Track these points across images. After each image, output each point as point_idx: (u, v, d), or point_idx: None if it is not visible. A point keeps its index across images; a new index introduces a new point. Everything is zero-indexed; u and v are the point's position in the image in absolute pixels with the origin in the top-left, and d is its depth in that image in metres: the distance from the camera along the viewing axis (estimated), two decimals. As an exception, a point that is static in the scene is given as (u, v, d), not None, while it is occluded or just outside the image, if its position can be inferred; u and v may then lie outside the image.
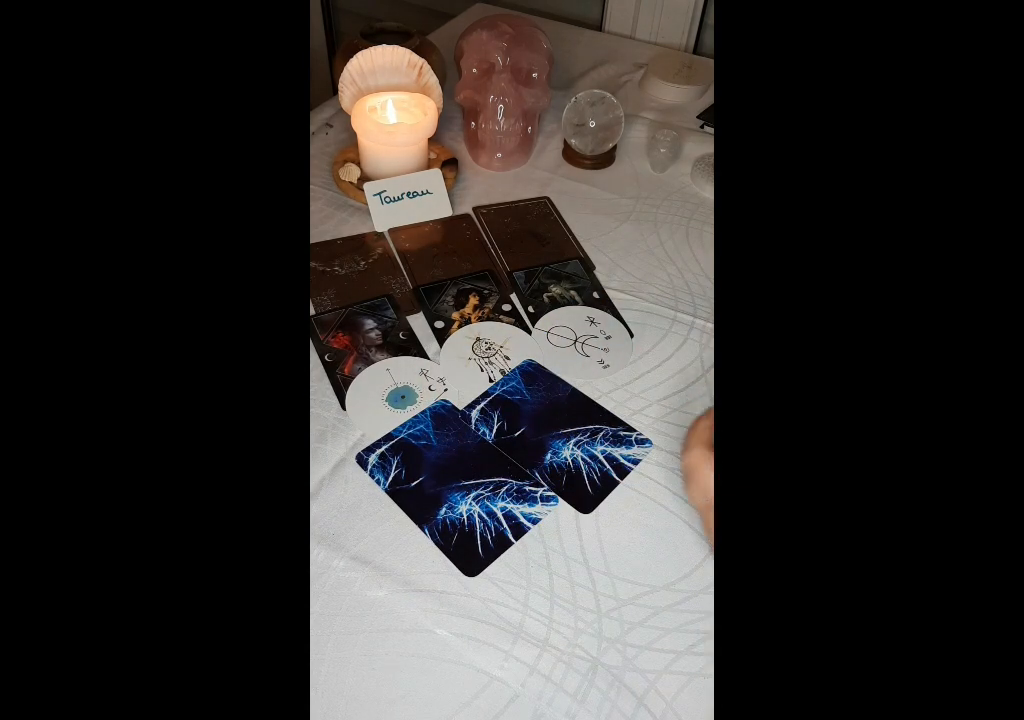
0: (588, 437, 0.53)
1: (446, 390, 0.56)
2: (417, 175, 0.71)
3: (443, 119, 0.81)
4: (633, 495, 0.50)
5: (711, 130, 0.86)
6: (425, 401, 0.55)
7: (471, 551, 0.47)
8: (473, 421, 0.54)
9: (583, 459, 0.52)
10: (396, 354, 0.59)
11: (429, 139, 0.74)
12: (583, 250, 0.70)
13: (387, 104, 0.73)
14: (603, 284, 0.67)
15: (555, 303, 0.64)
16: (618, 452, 0.53)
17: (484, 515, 0.48)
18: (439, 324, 0.62)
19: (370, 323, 0.61)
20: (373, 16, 1.26)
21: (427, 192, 0.72)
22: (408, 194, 0.71)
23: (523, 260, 0.69)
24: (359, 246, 0.69)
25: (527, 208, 0.75)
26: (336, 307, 0.62)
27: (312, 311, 0.62)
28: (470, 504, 0.49)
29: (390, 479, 0.50)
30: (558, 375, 0.58)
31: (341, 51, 0.83)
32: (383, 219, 0.71)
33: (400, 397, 0.56)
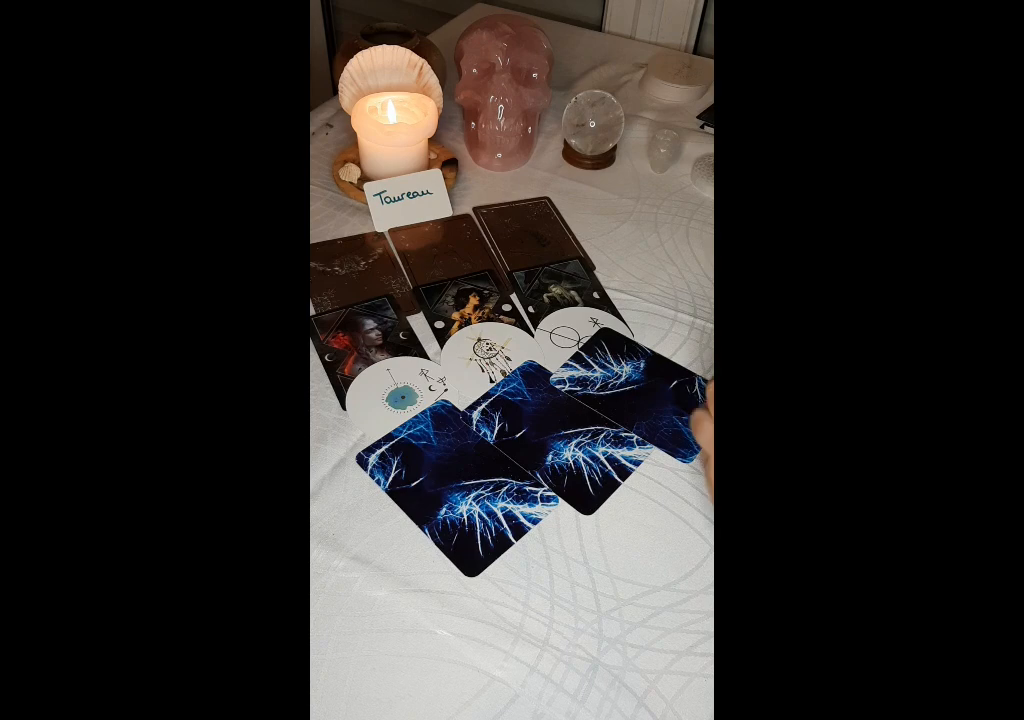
0: (589, 438, 0.53)
1: (446, 390, 0.56)
2: (417, 175, 0.71)
3: (443, 119, 0.81)
4: (633, 495, 0.50)
5: (711, 130, 0.86)
6: (425, 401, 0.55)
7: (471, 551, 0.47)
8: (474, 422, 0.54)
9: (584, 460, 0.52)
10: (396, 354, 0.59)
11: (429, 139, 0.74)
12: (583, 250, 0.70)
13: (387, 104, 0.73)
14: (603, 284, 0.67)
15: (555, 303, 0.64)
16: (619, 453, 0.53)
17: (484, 515, 0.48)
18: (439, 324, 0.62)
19: (370, 323, 0.61)
20: (373, 16, 1.26)
21: (427, 192, 0.72)
22: (408, 194, 0.71)
23: (523, 260, 0.69)
24: (359, 246, 0.69)
25: (527, 208, 0.75)
26: (336, 307, 0.62)
27: (312, 311, 0.62)
28: (470, 504, 0.49)
29: (390, 479, 0.50)
30: (558, 375, 0.58)
31: (341, 51, 0.82)
32: (383, 219, 0.71)
33: (400, 397, 0.56)
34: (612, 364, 0.59)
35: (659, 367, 0.59)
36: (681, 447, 0.53)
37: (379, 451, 0.52)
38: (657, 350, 0.60)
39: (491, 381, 0.57)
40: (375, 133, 0.70)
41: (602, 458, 0.52)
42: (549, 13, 1.12)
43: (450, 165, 0.77)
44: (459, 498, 0.49)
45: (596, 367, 0.58)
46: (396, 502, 0.49)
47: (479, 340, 0.61)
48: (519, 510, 0.49)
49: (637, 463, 0.52)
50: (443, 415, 0.54)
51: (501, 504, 0.49)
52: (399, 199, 0.71)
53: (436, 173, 0.72)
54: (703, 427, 0.45)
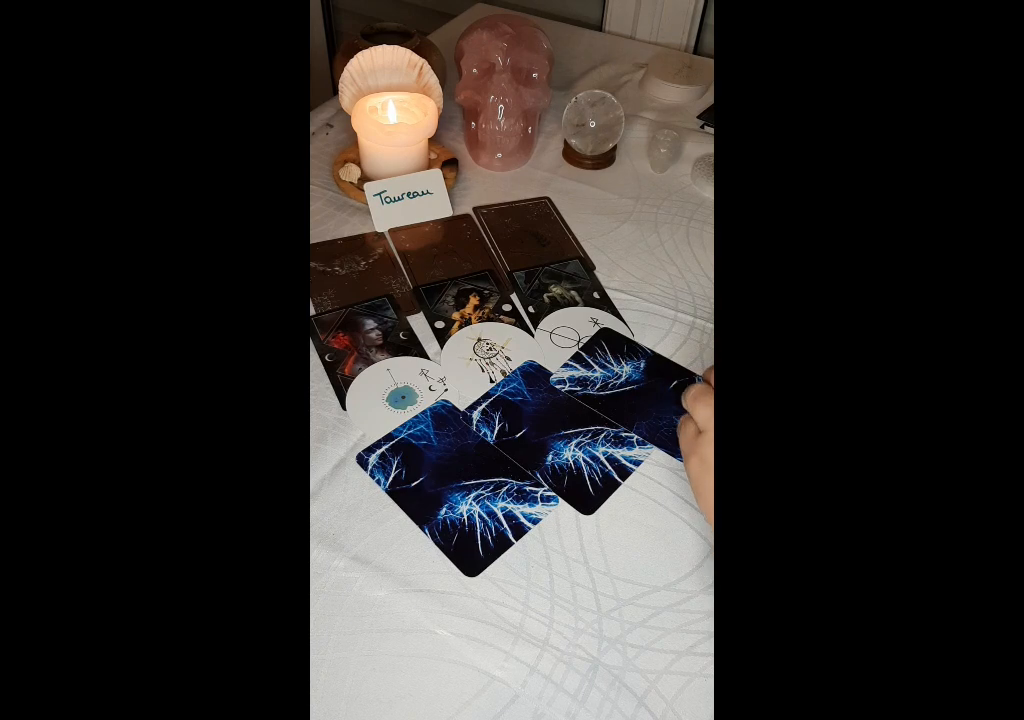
0: (589, 438, 0.53)
1: (446, 390, 0.56)
2: (417, 175, 0.71)
3: (443, 119, 0.81)
4: (634, 495, 0.50)
5: (711, 130, 0.86)
6: (425, 401, 0.55)
7: (471, 551, 0.47)
8: (474, 422, 0.54)
9: (584, 460, 0.52)
10: (396, 354, 0.59)
11: (429, 139, 0.74)
12: (583, 250, 0.70)
13: (387, 104, 0.73)
14: (603, 284, 0.67)
15: (555, 303, 0.64)
16: (619, 453, 0.53)
17: (484, 515, 0.48)
18: (439, 324, 0.62)
19: (370, 323, 0.61)
20: (373, 16, 1.26)
21: (427, 192, 0.72)
22: (408, 194, 0.71)
23: (523, 260, 0.69)
24: (359, 246, 0.69)
25: (527, 208, 0.75)
26: (336, 307, 0.62)
27: (312, 311, 0.62)
28: (470, 504, 0.49)
29: (390, 479, 0.50)
30: (558, 375, 0.58)
31: (341, 51, 0.83)
32: (383, 219, 0.71)
33: (400, 397, 0.56)
34: (612, 364, 0.59)
35: (659, 367, 0.59)
36: (681, 447, 0.53)
37: (379, 451, 0.52)
38: (657, 350, 0.60)
39: (491, 381, 0.57)
40: (375, 133, 0.70)
41: (602, 458, 0.52)
42: (549, 13, 1.12)
43: (450, 165, 0.77)
44: (459, 498, 0.49)
45: (596, 367, 0.58)
46: (396, 502, 0.49)
47: (479, 340, 0.61)
48: (519, 510, 0.49)
49: (637, 463, 0.52)
50: (443, 415, 0.54)
51: (501, 504, 0.49)
52: (399, 199, 0.71)
53: (436, 173, 0.72)
54: (706, 400, 0.45)
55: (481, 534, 0.48)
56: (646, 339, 0.61)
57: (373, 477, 0.50)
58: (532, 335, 0.62)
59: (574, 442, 0.53)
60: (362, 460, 0.51)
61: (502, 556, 0.47)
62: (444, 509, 0.49)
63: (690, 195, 0.77)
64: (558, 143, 0.84)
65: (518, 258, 0.69)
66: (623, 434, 0.54)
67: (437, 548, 0.47)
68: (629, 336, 0.62)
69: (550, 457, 0.52)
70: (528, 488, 0.50)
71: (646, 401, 0.56)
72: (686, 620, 0.44)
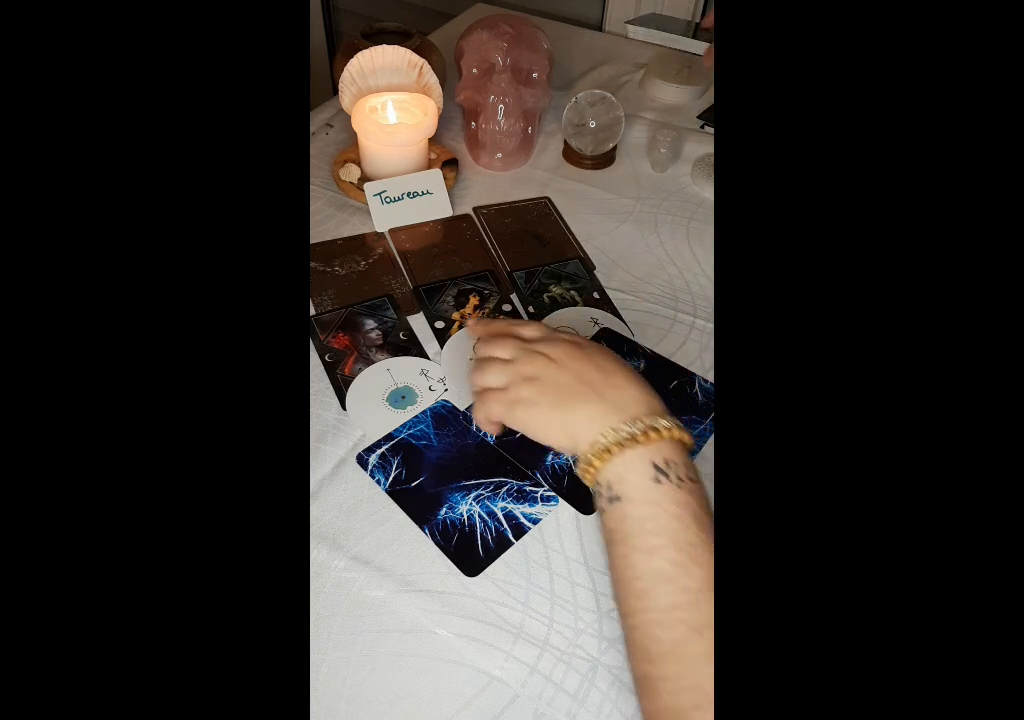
0: (588, 437, 0.53)
1: (446, 390, 0.56)
2: (417, 175, 0.71)
3: (443, 119, 0.81)
4: (633, 495, 0.50)
5: (711, 130, 0.86)
6: (426, 401, 0.55)
7: (471, 551, 0.47)
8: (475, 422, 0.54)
9: (583, 459, 0.52)
10: (396, 354, 0.59)
11: (429, 139, 0.74)
12: (583, 250, 0.70)
13: (387, 104, 0.73)
14: (603, 284, 0.67)
15: (555, 303, 0.64)
16: (618, 452, 0.52)
17: (484, 515, 0.48)
18: (439, 324, 0.62)
19: (370, 323, 0.61)
20: (373, 16, 1.26)
21: (427, 192, 0.72)
22: (408, 194, 0.71)
23: (523, 260, 0.69)
24: (359, 246, 0.69)
25: (527, 208, 0.75)
26: (336, 307, 0.62)
27: (312, 311, 0.62)
28: (470, 504, 0.49)
29: (390, 479, 0.50)
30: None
31: (341, 51, 0.83)
32: (383, 219, 0.71)
33: (400, 397, 0.56)
34: (612, 364, 0.59)
35: (659, 367, 0.59)
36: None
37: (379, 451, 0.52)
38: (657, 350, 0.60)
39: (491, 381, 0.57)
40: (375, 133, 0.70)
41: (602, 458, 0.52)
42: (549, 13, 1.12)
43: (450, 165, 0.77)
44: (459, 498, 0.49)
45: (596, 367, 0.58)
46: (396, 502, 0.49)
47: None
48: (519, 510, 0.49)
49: (637, 463, 0.52)
50: (443, 415, 0.54)
51: (501, 504, 0.49)
52: (399, 199, 0.71)
53: (436, 173, 0.72)
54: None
55: (481, 534, 0.48)
56: (646, 339, 0.61)
57: (373, 477, 0.50)
58: (532, 335, 0.62)
59: (574, 442, 0.53)
60: (362, 460, 0.51)
61: (502, 556, 0.47)
62: (444, 509, 0.49)
63: (690, 195, 0.77)
64: (558, 143, 0.84)
65: (518, 258, 0.69)
66: (623, 434, 0.54)
67: (437, 548, 0.47)
68: (629, 336, 0.62)
69: (550, 457, 0.52)
70: (528, 488, 0.50)
71: None
72: (686, 620, 0.44)
